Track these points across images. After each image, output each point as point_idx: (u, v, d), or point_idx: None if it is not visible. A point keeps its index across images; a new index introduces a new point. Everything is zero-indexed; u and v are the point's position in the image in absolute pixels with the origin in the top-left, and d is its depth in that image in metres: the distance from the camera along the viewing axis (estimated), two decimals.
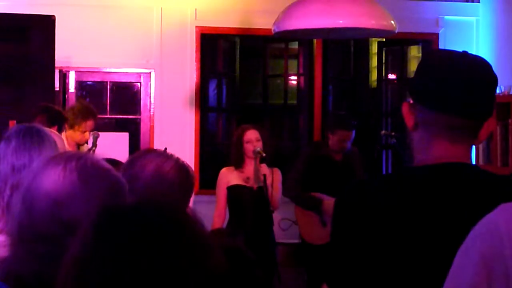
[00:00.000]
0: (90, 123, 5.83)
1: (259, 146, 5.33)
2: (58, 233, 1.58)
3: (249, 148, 5.35)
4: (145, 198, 1.24)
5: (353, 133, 5.94)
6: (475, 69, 1.72)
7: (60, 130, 5.02)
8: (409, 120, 1.78)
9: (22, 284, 1.56)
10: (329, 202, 5.73)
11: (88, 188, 1.63)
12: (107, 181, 1.68)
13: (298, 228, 6.03)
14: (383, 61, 8.37)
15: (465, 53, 1.76)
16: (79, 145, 5.85)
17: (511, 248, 1.19)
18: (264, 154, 5.30)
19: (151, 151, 2.50)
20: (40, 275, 1.55)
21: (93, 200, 1.61)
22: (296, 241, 6.20)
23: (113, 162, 2.49)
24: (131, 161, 2.35)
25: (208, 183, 7.19)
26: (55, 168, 1.65)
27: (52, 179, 1.63)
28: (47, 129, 3.02)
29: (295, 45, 8.30)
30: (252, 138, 5.37)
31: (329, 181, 5.90)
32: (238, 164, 5.41)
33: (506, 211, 1.24)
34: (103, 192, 1.65)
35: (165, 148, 2.49)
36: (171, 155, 2.38)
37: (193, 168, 7.23)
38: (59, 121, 5.12)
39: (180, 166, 2.35)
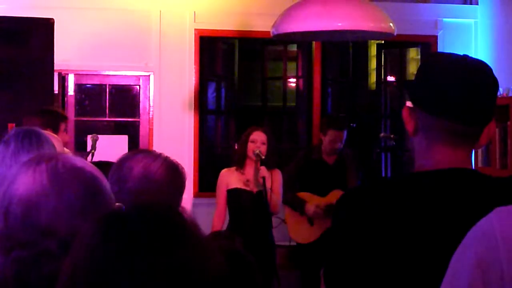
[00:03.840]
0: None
1: (262, 149, 5.32)
2: (33, 238, 1.55)
3: (251, 148, 5.33)
4: (143, 201, 1.25)
5: (345, 133, 5.97)
6: (476, 73, 1.70)
7: (56, 131, 4.97)
8: (409, 125, 1.76)
9: None
10: (310, 203, 5.82)
11: (59, 189, 1.58)
12: (80, 181, 1.61)
13: (287, 228, 6.07)
14: (382, 63, 8.37)
15: (465, 56, 1.73)
16: None
17: (506, 251, 1.18)
18: (263, 157, 5.29)
19: (139, 152, 2.49)
20: (20, 280, 1.54)
21: (65, 201, 1.57)
22: (293, 243, 6.22)
23: (109, 164, 2.49)
24: (119, 163, 2.35)
25: (207, 185, 7.20)
26: (26, 172, 1.61)
27: (23, 183, 1.59)
28: (46, 132, 3.01)
29: (294, 48, 8.31)
30: (258, 139, 5.35)
31: (320, 184, 5.93)
32: (240, 163, 5.39)
33: (501, 215, 1.24)
34: (76, 192, 1.59)
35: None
36: (160, 154, 2.36)
37: (192, 171, 7.19)
38: (53, 123, 5.06)
39: (169, 165, 2.33)
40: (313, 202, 5.86)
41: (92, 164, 1.71)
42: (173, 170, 2.35)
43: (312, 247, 5.88)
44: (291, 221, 6.04)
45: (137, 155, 2.38)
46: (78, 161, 1.67)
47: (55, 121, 5.16)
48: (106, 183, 1.67)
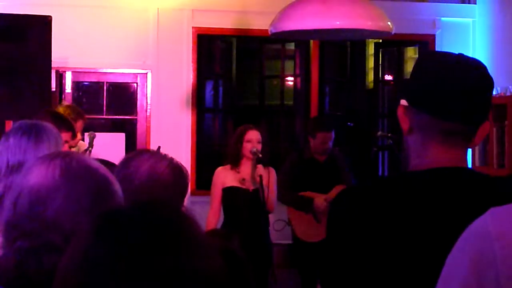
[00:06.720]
0: (79, 124, 5.67)
1: (258, 148, 5.32)
2: (38, 229, 1.59)
3: (248, 147, 5.33)
4: (143, 199, 1.24)
5: (333, 133, 6.00)
6: (471, 72, 1.69)
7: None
8: (404, 124, 1.76)
9: (8, 280, 1.57)
10: (319, 199, 5.81)
11: (70, 185, 1.61)
12: (91, 180, 1.65)
13: (292, 228, 6.04)
14: (380, 62, 8.38)
15: (460, 55, 1.73)
16: (71, 147, 5.68)
17: (501, 252, 1.18)
18: (260, 155, 5.29)
19: (145, 151, 2.50)
20: (21, 270, 1.57)
21: (74, 198, 1.61)
22: (290, 241, 6.21)
23: (106, 164, 2.49)
24: (125, 162, 2.35)
25: (204, 183, 7.19)
26: (41, 165, 1.65)
27: (36, 176, 1.63)
28: (51, 127, 2.96)
29: (291, 46, 8.31)
30: (254, 138, 5.35)
31: (314, 182, 5.94)
32: (235, 162, 5.38)
33: (495, 215, 1.24)
34: (86, 191, 1.62)
35: (159, 147, 2.49)
36: (165, 155, 2.38)
37: (189, 169, 7.18)
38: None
39: (174, 166, 2.35)
40: (320, 197, 5.86)
41: (106, 168, 1.73)
42: (179, 172, 2.37)
43: (313, 245, 5.85)
44: (297, 221, 6.01)
45: (144, 154, 2.39)
46: (93, 162, 1.71)
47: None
48: (117, 187, 1.69)
